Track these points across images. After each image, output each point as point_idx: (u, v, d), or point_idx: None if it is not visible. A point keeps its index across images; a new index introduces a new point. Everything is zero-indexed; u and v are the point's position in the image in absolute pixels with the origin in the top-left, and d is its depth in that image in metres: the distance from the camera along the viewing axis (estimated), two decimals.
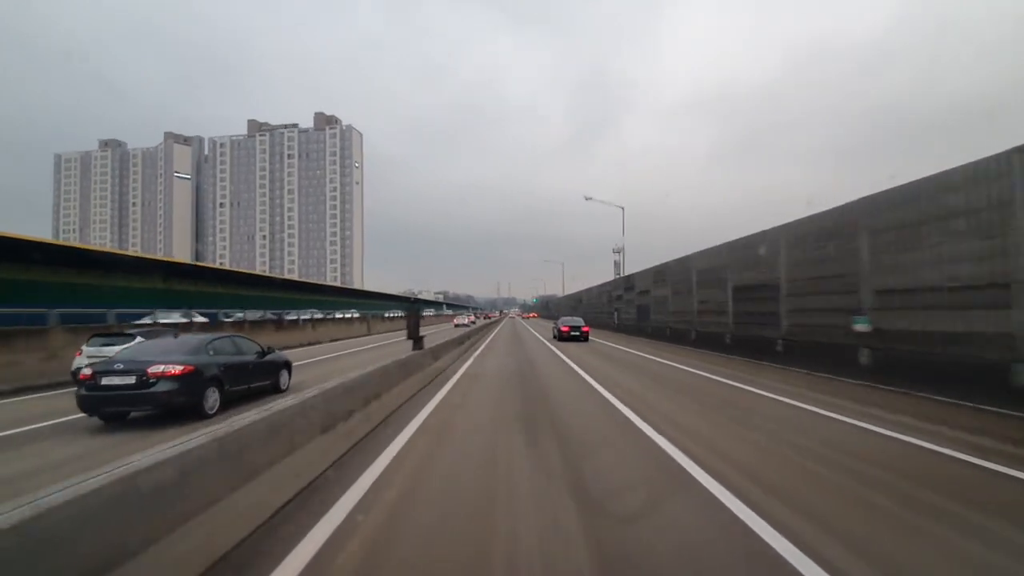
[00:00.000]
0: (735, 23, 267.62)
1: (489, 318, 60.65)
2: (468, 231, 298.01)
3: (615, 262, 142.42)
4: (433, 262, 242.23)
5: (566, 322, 22.92)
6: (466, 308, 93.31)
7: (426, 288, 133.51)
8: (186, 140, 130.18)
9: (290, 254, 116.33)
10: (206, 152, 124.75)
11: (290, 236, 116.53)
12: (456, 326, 39.09)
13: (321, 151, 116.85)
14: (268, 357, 7.91)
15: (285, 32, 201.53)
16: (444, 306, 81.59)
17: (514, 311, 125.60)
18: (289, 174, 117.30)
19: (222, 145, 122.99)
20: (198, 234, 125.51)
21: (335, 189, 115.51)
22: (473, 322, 43.79)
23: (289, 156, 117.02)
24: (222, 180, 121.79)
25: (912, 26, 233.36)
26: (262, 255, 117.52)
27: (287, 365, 8.49)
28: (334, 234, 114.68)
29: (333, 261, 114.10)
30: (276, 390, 7.98)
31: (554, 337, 22.60)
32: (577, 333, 21.37)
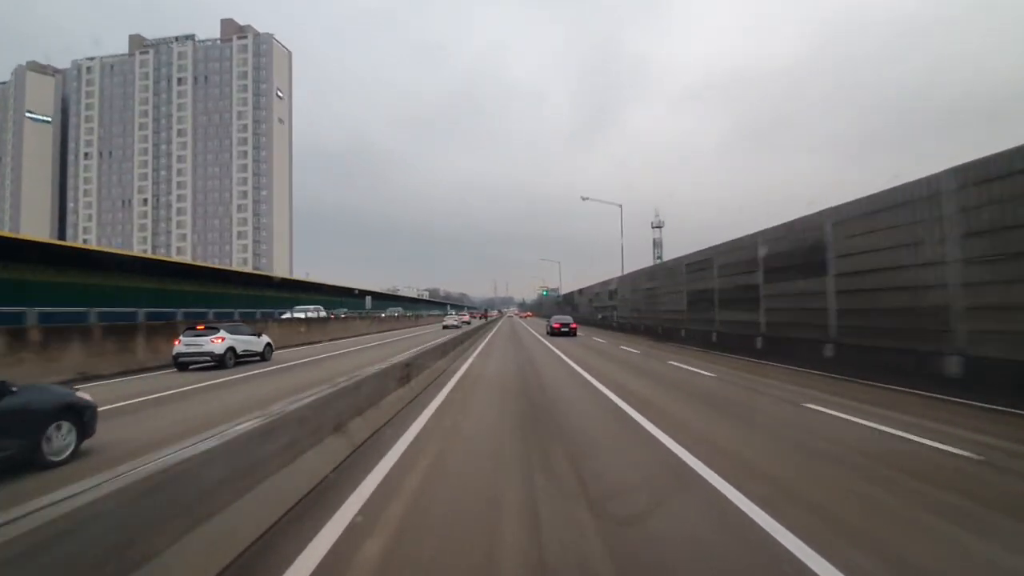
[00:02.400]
0: (744, 9, 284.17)
1: (486, 317, 65.90)
2: (466, 230, 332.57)
3: (654, 240, 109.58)
4: (430, 261, 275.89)
5: (557, 320, 30.85)
6: (444, 305, 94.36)
7: (409, 284, 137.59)
8: (55, 72, 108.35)
9: (180, 226, 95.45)
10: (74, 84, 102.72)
11: (180, 200, 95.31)
12: (445, 327, 38.65)
13: (226, 72, 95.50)
14: (8, 402, 4.90)
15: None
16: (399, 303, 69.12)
17: (512, 310, 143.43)
18: (180, 108, 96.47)
19: (89, 70, 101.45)
20: (63, 198, 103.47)
21: (245, 128, 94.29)
22: (467, 322, 44.49)
23: (180, 81, 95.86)
24: (88, 120, 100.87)
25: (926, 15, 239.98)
26: (142, 227, 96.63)
27: (73, 410, 5.50)
28: (243, 194, 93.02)
29: (243, 236, 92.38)
30: (32, 461, 5.05)
31: (547, 333, 29.77)
32: (566, 329, 28.97)
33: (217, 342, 13.92)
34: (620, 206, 36.93)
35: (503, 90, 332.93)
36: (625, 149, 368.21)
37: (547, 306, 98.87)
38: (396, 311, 46.16)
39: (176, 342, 13.93)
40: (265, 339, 16.30)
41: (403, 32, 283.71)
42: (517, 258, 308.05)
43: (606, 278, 42.87)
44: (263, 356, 15.94)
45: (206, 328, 14.38)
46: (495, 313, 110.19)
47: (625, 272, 35.91)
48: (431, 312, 75.61)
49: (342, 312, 33.81)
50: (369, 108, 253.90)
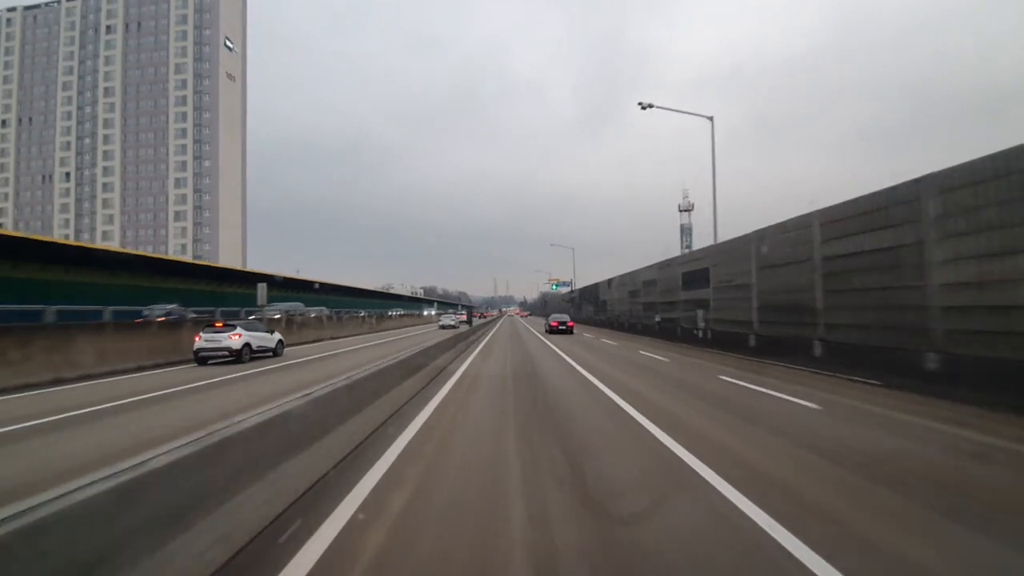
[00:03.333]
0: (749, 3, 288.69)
1: (485, 316, 68.19)
2: (467, 228, 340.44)
3: (681, 226, 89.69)
4: (430, 260, 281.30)
5: (555, 318, 32.72)
6: (430, 303, 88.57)
7: (403, 282, 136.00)
8: None
9: (107, 205, 79.27)
10: None
11: (107, 174, 79.31)
12: (442, 327, 39.01)
13: (162, 16, 79.33)
14: None
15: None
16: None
17: (513, 309, 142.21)
18: (108, 61, 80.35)
19: (10, 22, 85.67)
20: None
21: (184, 84, 77.91)
22: (466, 321, 44.88)
23: (109, 29, 79.48)
24: (7, 81, 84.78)
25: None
26: (64, 208, 80.00)
27: None
28: (182, 166, 76.94)
29: (180, 217, 76.34)
30: None
31: (546, 331, 31.61)
32: (563, 327, 30.85)
33: (235, 338, 15.03)
34: (711, 118, 20.59)
35: (505, 88, 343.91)
36: (627, 147, 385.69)
37: (554, 304, 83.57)
38: (280, 311, 26.92)
39: (197, 338, 14.88)
40: (277, 336, 17.48)
41: (403, 26, 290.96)
42: (517, 258, 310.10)
43: (619, 271, 26.82)
44: (275, 352, 17.03)
45: (224, 325, 15.38)
46: (494, 313, 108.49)
47: (719, 239, 19.43)
48: (398, 310, 58.25)
49: (155, 311, 17.93)
50: (373, 107, 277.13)
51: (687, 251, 76.71)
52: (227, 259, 74.36)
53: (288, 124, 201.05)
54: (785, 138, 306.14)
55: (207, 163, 78.76)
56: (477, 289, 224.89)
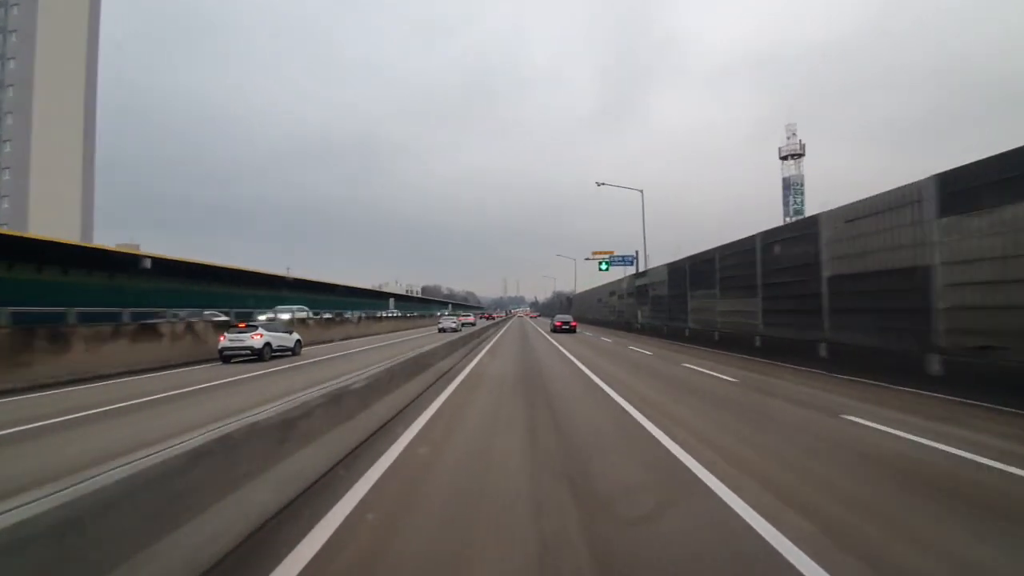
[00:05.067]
0: None
1: (492, 318, 66.04)
2: (475, 227, 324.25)
3: (785, 180, 57.07)
4: (441, 260, 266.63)
5: (559, 319, 37.59)
6: (383, 298, 75.51)
7: (398, 279, 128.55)
8: None
9: None
10: None
11: None
12: (441, 331, 36.01)
13: None
14: None
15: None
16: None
17: (522, 310, 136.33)
18: None
19: None
20: None
21: None
22: (472, 323, 42.85)
23: None
24: None
25: None
26: None
27: None
28: None
29: None
30: None
31: (551, 330, 35.00)
32: (567, 327, 34.24)
33: (256, 338, 16.31)
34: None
35: (518, 86, 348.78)
36: (645, 143, 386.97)
37: (588, 304, 54.34)
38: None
39: (221, 338, 16.21)
40: (295, 336, 18.71)
41: (415, 28, 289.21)
42: (528, 258, 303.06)
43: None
44: (294, 351, 18.33)
45: (247, 326, 16.78)
46: (501, 314, 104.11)
47: None
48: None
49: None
50: (388, 106, 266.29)
51: (796, 219, 42.84)
52: (48, 224, 45.22)
53: (305, 126, 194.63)
54: (818, 129, 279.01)
55: (13, 64, 49.36)
56: (486, 289, 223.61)
